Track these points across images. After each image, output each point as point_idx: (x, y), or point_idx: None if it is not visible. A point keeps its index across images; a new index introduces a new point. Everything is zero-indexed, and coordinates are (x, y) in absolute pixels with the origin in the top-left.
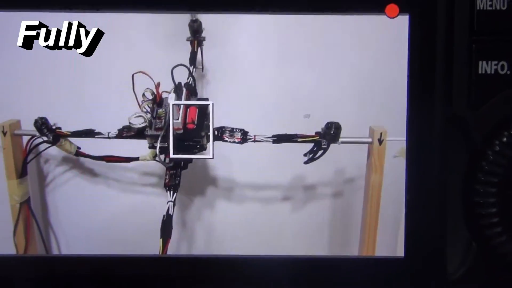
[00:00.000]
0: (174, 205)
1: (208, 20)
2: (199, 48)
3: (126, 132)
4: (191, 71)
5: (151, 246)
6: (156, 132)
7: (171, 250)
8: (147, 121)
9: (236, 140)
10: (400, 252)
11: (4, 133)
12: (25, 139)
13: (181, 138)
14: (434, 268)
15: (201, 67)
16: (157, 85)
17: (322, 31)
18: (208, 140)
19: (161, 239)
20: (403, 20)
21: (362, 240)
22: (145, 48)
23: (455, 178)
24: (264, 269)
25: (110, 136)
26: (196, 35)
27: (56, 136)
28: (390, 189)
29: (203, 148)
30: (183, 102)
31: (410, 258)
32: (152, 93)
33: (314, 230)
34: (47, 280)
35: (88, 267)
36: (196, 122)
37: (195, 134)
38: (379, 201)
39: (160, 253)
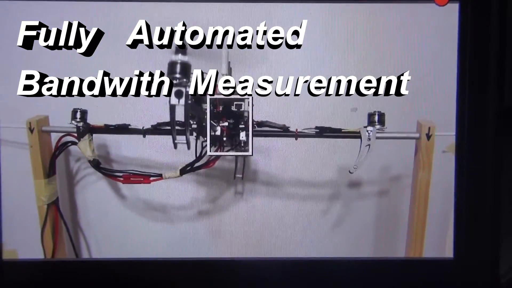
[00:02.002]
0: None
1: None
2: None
3: (160, 129)
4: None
5: (183, 247)
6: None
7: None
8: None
9: (277, 128)
10: (449, 253)
11: (31, 130)
12: (53, 136)
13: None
14: (485, 270)
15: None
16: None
17: (369, 21)
18: (247, 135)
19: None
20: (453, 8)
21: (409, 240)
22: None
23: (508, 175)
24: (308, 271)
25: (144, 130)
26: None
27: (86, 127)
28: (439, 187)
29: (242, 144)
30: (222, 96)
31: (460, 259)
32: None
33: (359, 229)
34: (77, 285)
35: (120, 271)
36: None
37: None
38: (427, 199)
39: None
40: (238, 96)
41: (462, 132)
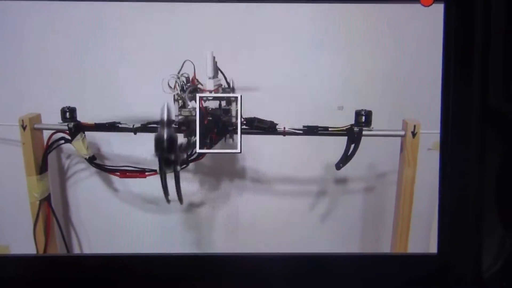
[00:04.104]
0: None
1: (241, 11)
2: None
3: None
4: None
5: (173, 243)
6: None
7: (195, 245)
8: (180, 85)
9: (265, 127)
10: (433, 248)
11: (24, 127)
12: (45, 134)
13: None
14: (468, 265)
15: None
16: (193, 76)
17: (355, 21)
18: (234, 132)
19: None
20: (438, 9)
21: (394, 236)
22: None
23: (491, 172)
24: (290, 266)
25: (134, 128)
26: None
27: (77, 126)
28: (424, 184)
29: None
30: (212, 94)
31: (444, 255)
32: (188, 76)
33: (345, 225)
34: (68, 280)
35: (111, 266)
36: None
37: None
38: (412, 196)
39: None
40: (227, 95)
41: (446, 130)
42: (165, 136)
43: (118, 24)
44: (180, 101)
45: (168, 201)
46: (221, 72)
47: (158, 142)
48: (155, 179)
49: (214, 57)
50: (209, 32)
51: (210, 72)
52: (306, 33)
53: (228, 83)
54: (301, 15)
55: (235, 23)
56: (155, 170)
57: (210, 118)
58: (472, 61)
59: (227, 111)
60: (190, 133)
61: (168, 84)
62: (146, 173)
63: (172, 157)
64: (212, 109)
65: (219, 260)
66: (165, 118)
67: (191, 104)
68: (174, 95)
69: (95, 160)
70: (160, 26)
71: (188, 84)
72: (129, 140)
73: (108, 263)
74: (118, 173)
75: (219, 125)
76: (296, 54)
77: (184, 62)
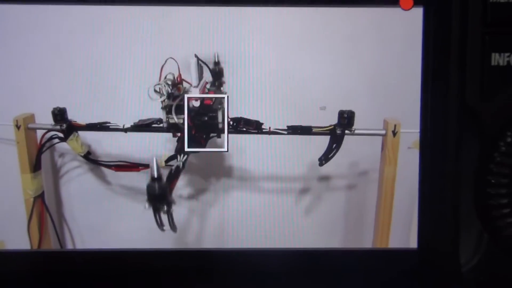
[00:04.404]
0: (183, 166)
1: (225, 14)
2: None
3: (141, 125)
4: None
5: (165, 238)
6: (173, 101)
7: (184, 241)
8: (165, 93)
9: (251, 129)
10: (413, 244)
11: (18, 127)
12: (39, 133)
13: (197, 113)
14: (447, 259)
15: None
16: (179, 75)
17: (337, 24)
18: (222, 130)
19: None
20: (418, 12)
21: (376, 232)
22: (163, 40)
23: (468, 170)
24: (275, 261)
25: (125, 128)
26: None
27: (69, 127)
28: (404, 181)
29: (219, 131)
30: (199, 95)
31: (424, 249)
32: (173, 77)
33: (328, 221)
34: (62, 275)
35: (103, 261)
36: (213, 99)
37: (211, 109)
38: (393, 193)
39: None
40: (215, 95)
41: (425, 130)
42: (156, 190)
43: (111, 26)
44: (167, 108)
45: (162, 230)
46: (207, 65)
47: (150, 194)
48: (147, 174)
49: (199, 62)
50: (193, 34)
51: (195, 81)
52: (291, 35)
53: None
54: (288, 18)
55: (220, 26)
56: (147, 165)
57: (198, 123)
58: (449, 63)
59: (213, 118)
60: (179, 139)
61: (155, 90)
62: (140, 168)
63: (164, 203)
64: (197, 114)
65: (216, 255)
66: (155, 174)
67: (177, 119)
68: (161, 102)
69: (90, 155)
70: (151, 27)
71: (174, 92)
72: (120, 139)
73: (99, 258)
74: (113, 167)
75: (207, 130)
76: (281, 55)
77: (166, 60)
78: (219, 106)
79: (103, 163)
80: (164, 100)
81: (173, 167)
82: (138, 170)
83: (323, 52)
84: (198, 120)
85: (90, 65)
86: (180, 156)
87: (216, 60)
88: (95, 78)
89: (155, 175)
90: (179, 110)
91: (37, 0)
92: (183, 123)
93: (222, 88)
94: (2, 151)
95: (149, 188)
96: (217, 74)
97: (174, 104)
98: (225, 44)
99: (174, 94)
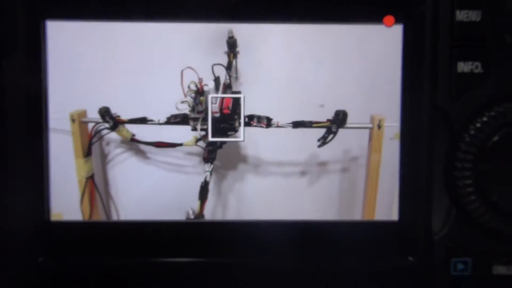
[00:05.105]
0: (210, 174)
1: (240, 32)
2: (234, 59)
3: (173, 119)
4: (228, 72)
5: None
6: (197, 115)
7: (208, 213)
8: (191, 106)
9: (263, 125)
10: (395, 216)
11: (73, 121)
12: (90, 125)
13: (218, 120)
14: (421, 229)
15: (235, 75)
16: (200, 80)
17: (334, 38)
18: (240, 125)
19: (199, 201)
20: (398, 29)
21: (364, 207)
22: (191, 50)
23: (439, 156)
24: (280, 231)
25: (160, 122)
26: (232, 49)
27: (115, 122)
28: (387, 166)
29: (235, 131)
30: (220, 95)
31: (403, 221)
32: (196, 85)
33: (325, 198)
34: (108, 242)
35: (141, 230)
36: (230, 108)
37: (229, 117)
38: (378, 175)
39: (198, 211)
40: (233, 95)
41: (405, 124)
42: None
43: (143, 40)
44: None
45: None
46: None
47: None
48: (182, 152)
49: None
50: (207, 46)
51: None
52: (297, 48)
53: (231, 86)
54: (293, 33)
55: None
56: (181, 144)
57: (219, 128)
58: (424, 70)
59: (232, 124)
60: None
61: (182, 102)
62: (175, 145)
63: None
64: (218, 122)
65: (235, 225)
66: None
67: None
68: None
69: (134, 136)
70: (175, 41)
71: (197, 105)
72: (157, 130)
73: (138, 227)
74: (155, 144)
75: (226, 133)
76: (288, 64)
77: (182, 71)
78: (236, 117)
79: (146, 142)
80: (190, 111)
81: (202, 183)
82: (174, 147)
83: (322, 61)
84: (219, 126)
85: (132, 70)
86: (208, 165)
87: (230, 35)
88: (136, 81)
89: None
90: (204, 121)
91: (94, 18)
92: (206, 135)
93: (235, 61)
94: (61, 140)
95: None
96: (231, 45)
97: (199, 123)
98: (241, 56)
99: (197, 108)
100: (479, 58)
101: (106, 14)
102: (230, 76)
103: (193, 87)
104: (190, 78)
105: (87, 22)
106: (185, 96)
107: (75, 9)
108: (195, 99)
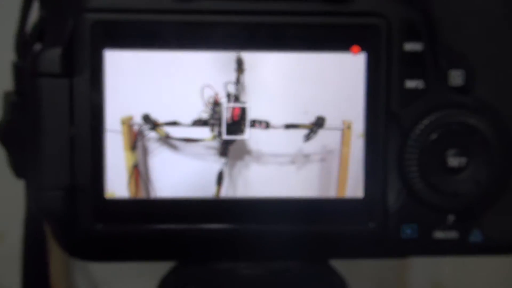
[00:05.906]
0: (225, 164)
1: (246, 55)
2: (241, 75)
3: (197, 123)
4: (236, 87)
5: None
6: (215, 121)
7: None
8: (210, 115)
9: (263, 127)
10: (360, 194)
11: (123, 124)
12: (136, 127)
13: (229, 124)
14: (380, 203)
15: (242, 89)
16: (216, 94)
17: (315, 61)
18: (246, 127)
19: (216, 185)
20: (362, 56)
21: (337, 188)
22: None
23: (393, 150)
24: (271, 206)
25: (188, 125)
26: (239, 67)
27: (154, 125)
28: (355, 157)
29: (242, 131)
30: (232, 104)
31: (366, 197)
32: (214, 99)
33: (309, 181)
34: (149, 213)
35: (173, 204)
36: (239, 115)
37: (238, 122)
38: (347, 164)
39: (216, 194)
40: (240, 105)
41: (367, 126)
42: None
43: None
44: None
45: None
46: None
47: None
48: (204, 147)
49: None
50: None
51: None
52: (285, 69)
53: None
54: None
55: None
56: (203, 140)
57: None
58: (380, 86)
59: (241, 128)
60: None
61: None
62: (199, 141)
63: None
64: (229, 126)
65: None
66: None
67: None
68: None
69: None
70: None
71: (216, 116)
72: (184, 131)
73: (172, 203)
74: (183, 140)
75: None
76: (280, 81)
77: (203, 88)
78: (244, 116)
79: (177, 138)
80: (209, 118)
81: (219, 171)
82: (197, 142)
83: (306, 80)
84: (230, 128)
85: (166, 87)
86: (223, 157)
87: (239, 57)
88: (169, 94)
89: None
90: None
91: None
92: (221, 135)
93: (241, 77)
94: (115, 138)
95: None
96: (239, 64)
97: (216, 127)
98: (246, 74)
99: (215, 116)
100: (421, 77)
101: (152, 45)
102: (238, 90)
103: (211, 101)
104: (208, 93)
105: (140, 52)
106: (206, 106)
107: (129, 40)
108: (213, 109)
